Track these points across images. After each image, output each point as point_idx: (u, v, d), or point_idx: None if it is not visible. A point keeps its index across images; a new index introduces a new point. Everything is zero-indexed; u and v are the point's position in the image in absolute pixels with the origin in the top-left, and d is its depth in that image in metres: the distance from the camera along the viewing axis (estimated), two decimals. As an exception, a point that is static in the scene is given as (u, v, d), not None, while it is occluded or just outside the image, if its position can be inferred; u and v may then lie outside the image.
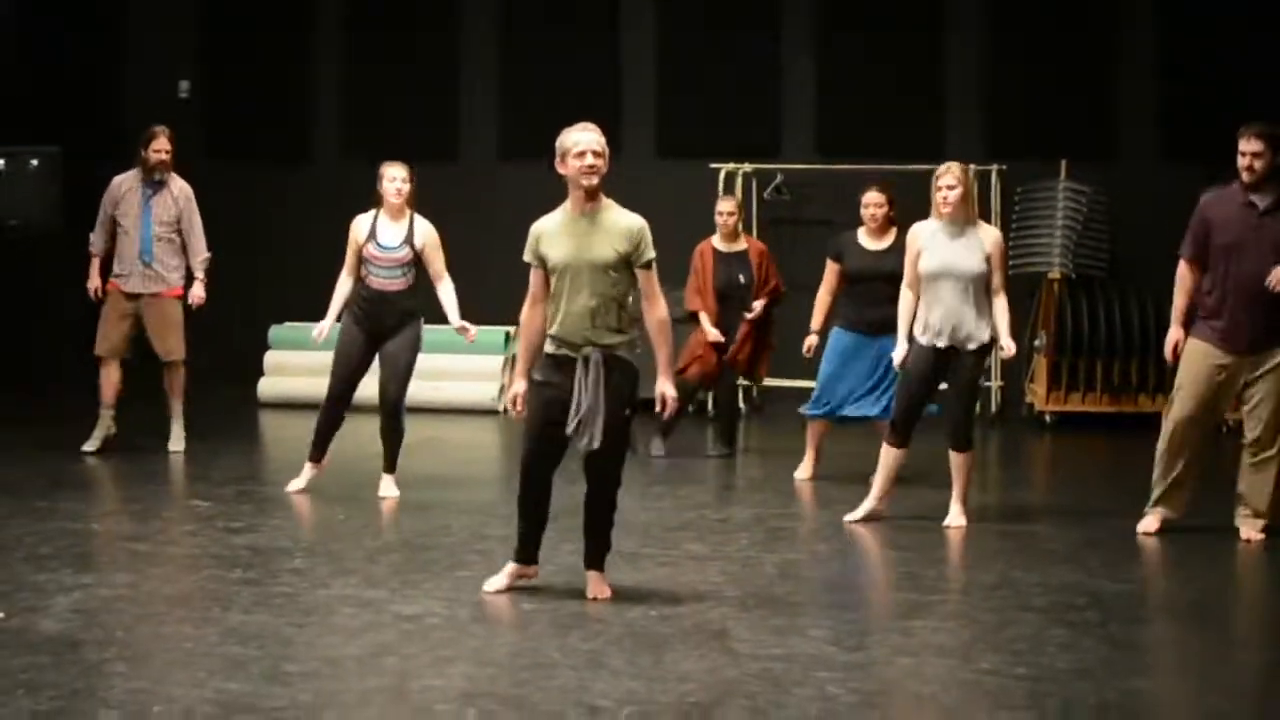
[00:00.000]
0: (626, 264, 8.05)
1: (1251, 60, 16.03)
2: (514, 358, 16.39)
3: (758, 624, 7.82)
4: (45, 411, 15.68)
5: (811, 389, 12.24)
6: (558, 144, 8.20)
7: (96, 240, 12.91)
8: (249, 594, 8.33)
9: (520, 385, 8.24)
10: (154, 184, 12.77)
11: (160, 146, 12.77)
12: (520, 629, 7.72)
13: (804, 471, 12.28)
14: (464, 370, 16.29)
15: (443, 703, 6.52)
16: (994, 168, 16.04)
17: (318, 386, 15.98)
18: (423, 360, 16.22)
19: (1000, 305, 10.26)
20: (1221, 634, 8.05)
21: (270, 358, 17.11)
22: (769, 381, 15.04)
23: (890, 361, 10.95)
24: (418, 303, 11.15)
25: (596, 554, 8.40)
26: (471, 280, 16.96)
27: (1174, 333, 10.14)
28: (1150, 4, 16.69)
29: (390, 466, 11.34)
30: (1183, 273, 10.15)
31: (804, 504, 11.22)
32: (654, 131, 17.36)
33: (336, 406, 11.28)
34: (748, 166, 16.72)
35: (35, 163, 17.54)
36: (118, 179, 12.92)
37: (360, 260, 11.03)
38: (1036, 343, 16.01)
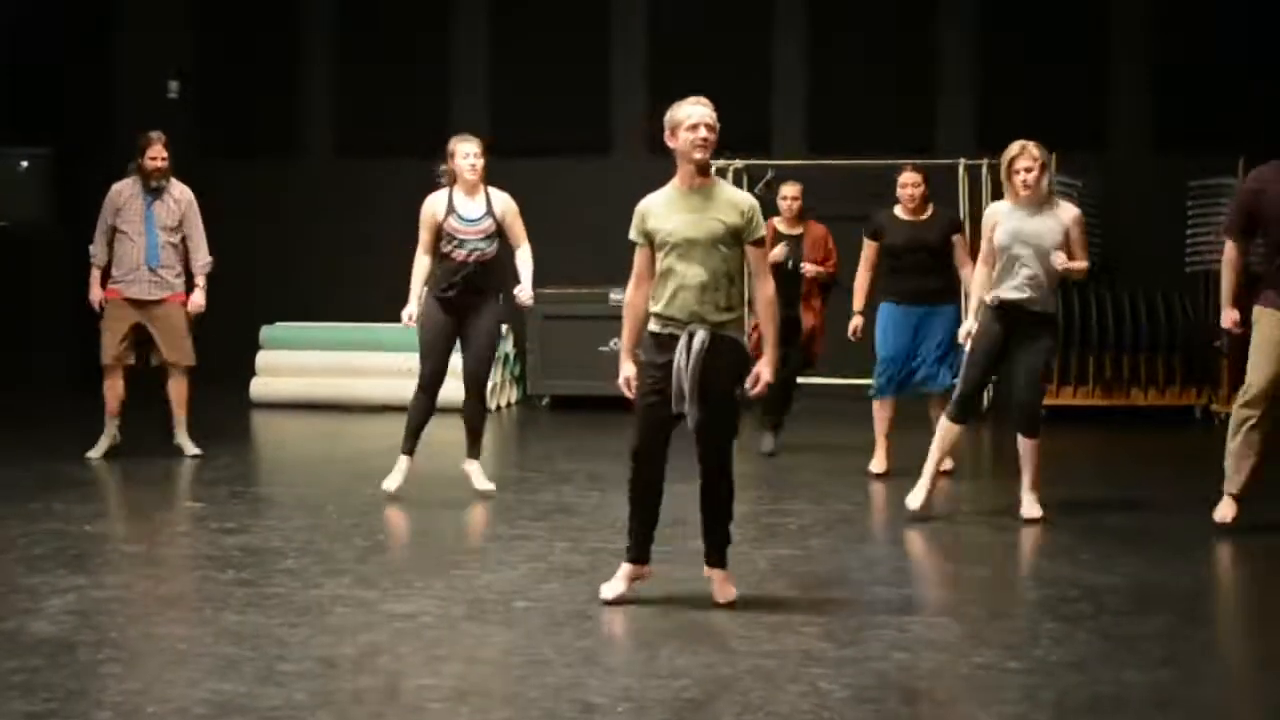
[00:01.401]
0: (737, 239, 7.92)
1: (1244, 54, 16.05)
2: (506, 356, 16.54)
3: (751, 620, 7.84)
4: (37, 413, 15.68)
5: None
6: (667, 118, 8.08)
7: (98, 251, 12.78)
8: (242, 594, 8.33)
9: (630, 368, 8.07)
10: (153, 190, 12.71)
11: (155, 153, 12.68)
12: (513, 627, 7.72)
13: (878, 465, 12.21)
14: (455, 368, 16.25)
15: (437, 701, 6.53)
16: (984, 162, 16.02)
17: (310, 387, 16.12)
18: (415, 359, 16.25)
19: (1082, 263, 10.19)
20: (1214, 626, 8.07)
21: (262, 358, 17.08)
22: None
23: (949, 334, 10.99)
24: (502, 276, 11.19)
25: (715, 549, 8.25)
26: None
27: (1228, 313, 10.05)
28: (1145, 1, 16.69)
29: (476, 452, 11.35)
30: (1229, 253, 10.07)
31: (796, 500, 11.21)
32: (645, 127, 17.34)
33: (430, 395, 11.22)
34: (739, 162, 16.71)
35: (26, 164, 17.54)
36: (117, 186, 12.80)
37: (439, 238, 11.01)
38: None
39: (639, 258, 8.09)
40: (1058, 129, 16.20)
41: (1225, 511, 10.04)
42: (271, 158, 18.36)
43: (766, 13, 17.41)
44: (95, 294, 12.82)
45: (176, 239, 12.76)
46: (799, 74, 17.33)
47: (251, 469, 13.10)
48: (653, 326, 7.98)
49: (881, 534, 10.15)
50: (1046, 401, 15.53)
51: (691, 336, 7.80)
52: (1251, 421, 9.89)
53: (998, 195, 15.85)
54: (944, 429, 10.52)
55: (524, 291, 11.17)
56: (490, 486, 11.31)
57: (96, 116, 18.06)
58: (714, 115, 8.03)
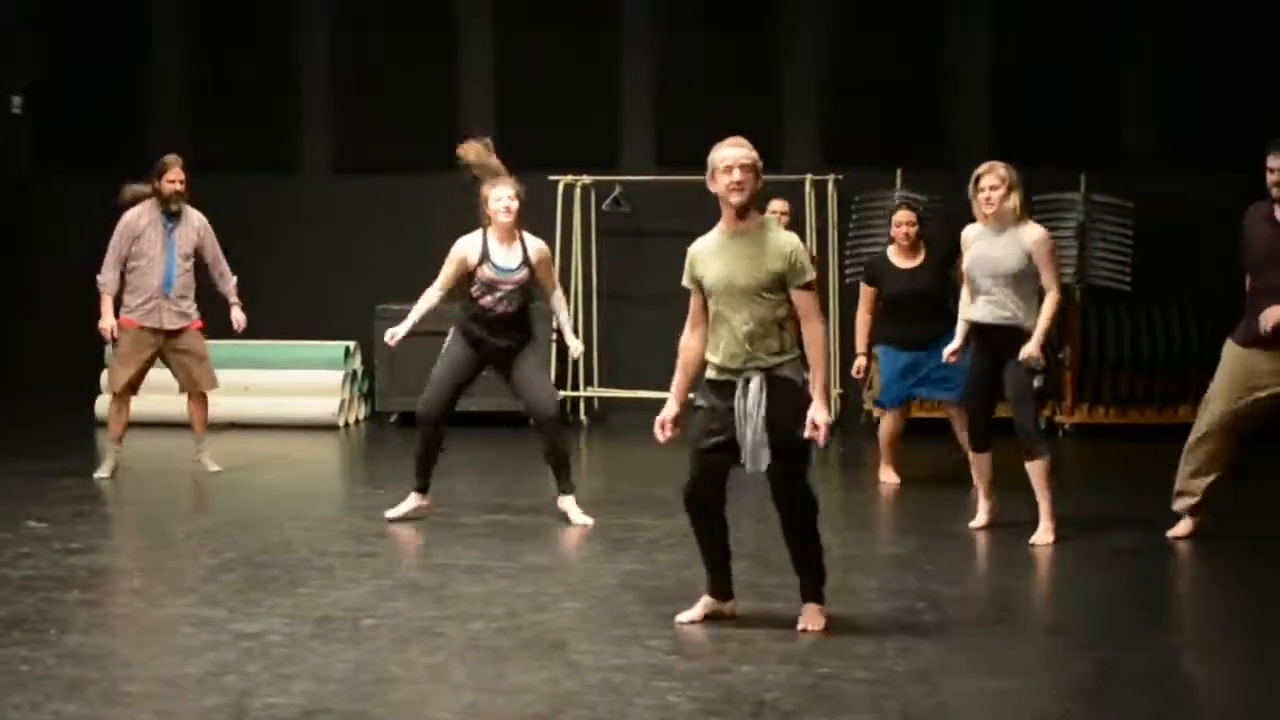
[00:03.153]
0: (782, 285, 7.80)
1: (1083, 67, 16.26)
2: (354, 373, 16.46)
3: (598, 634, 7.87)
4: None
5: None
6: (709, 161, 7.99)
7: (110, 279, 12.63)
8: (87, 615, 8.26)
9: (672, 409, 7.94)
10: (172, 215, 12.65)
11: (175, 177, 12.66)
12: (360, 644, 7.70)
13: (889, 475, 12.53)
14: (304, 386, 16.19)
15: (283, 720, 6.51)
16: (830, 177, 16.14)
17: (155, 404, 15.88)
18: (262, 376, 16.16)
19: (1048, 302, 10.14)
20: (1059, 634, 8.18)
21: (107, 375, 16.86)
22: (607, 392, 15.27)
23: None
24: (532, 318, 11.05)
25: (809, 585, 8.14)
26: (309, 295, 16.93)
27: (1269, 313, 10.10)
28: (987, 12, 16.79)
29: (569, 487, 11.03)
30: (1249, 282, 10.15)
31: (645, 515, 11.22)
32: (492, 143, 17.27)
33: (439, 426, 10.90)
34: (586, 179, 16.70)
35: None
36: (133, 213, 12.70)
37: (471, 282, 10.77)
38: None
39: (693, 303, 7.99)
40: (904, 145, 16.38)
41: (1183, 528, 10.26)
42: (120, 172, 18.03)
43: (614, 26, 17.36)
44: (107, 323, 12.66)
45: (191, 264, 12.75)
46: (647, 89, 17.30)
47: (96, 488, 12.91)
48: (709, 374, 7.90)
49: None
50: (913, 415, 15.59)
51: (748, 383, 7.74)
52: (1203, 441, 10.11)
53: (843, 212, 16.09)
54: (972, 460, 10.71)
55: (574, 348, 11.19)
56: (586, 521, 10.90)
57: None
58: (752, 156, 7.93)
